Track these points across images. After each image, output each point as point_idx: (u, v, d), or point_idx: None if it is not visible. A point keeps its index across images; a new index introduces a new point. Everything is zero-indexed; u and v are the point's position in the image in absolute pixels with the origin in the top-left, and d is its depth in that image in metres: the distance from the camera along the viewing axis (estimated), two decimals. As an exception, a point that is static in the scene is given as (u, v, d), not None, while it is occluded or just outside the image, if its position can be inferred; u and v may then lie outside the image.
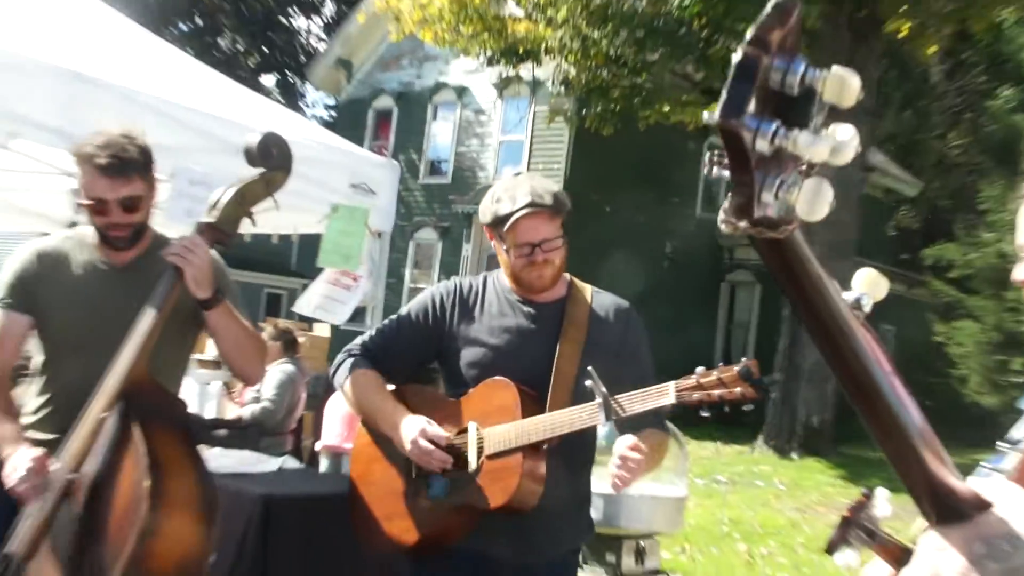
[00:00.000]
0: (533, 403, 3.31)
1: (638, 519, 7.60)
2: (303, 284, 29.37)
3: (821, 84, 1.13)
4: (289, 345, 9.45)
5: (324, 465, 8.56)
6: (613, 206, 25.18)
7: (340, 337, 9.50)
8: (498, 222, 3.44)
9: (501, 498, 3.23)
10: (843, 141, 1.13)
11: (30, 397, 3.92)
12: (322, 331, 9.74)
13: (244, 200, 3.57)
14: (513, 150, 26.33)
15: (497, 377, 3.39)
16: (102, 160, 3.56)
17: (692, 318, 25.32)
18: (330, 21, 46.33)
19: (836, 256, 19.67)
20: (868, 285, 2.07)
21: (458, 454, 3.35)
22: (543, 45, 20.54)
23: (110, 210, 3.65)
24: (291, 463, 6.14)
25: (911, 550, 1.85)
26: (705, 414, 3.05)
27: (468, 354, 3.53)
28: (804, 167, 1.14)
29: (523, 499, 3.24)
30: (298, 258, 29.14)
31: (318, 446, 8.90)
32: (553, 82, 21.85)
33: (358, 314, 7.21)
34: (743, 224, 1.16)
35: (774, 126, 1.10)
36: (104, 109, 5.27)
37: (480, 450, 3.32)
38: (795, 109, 1.12)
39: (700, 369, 3.02)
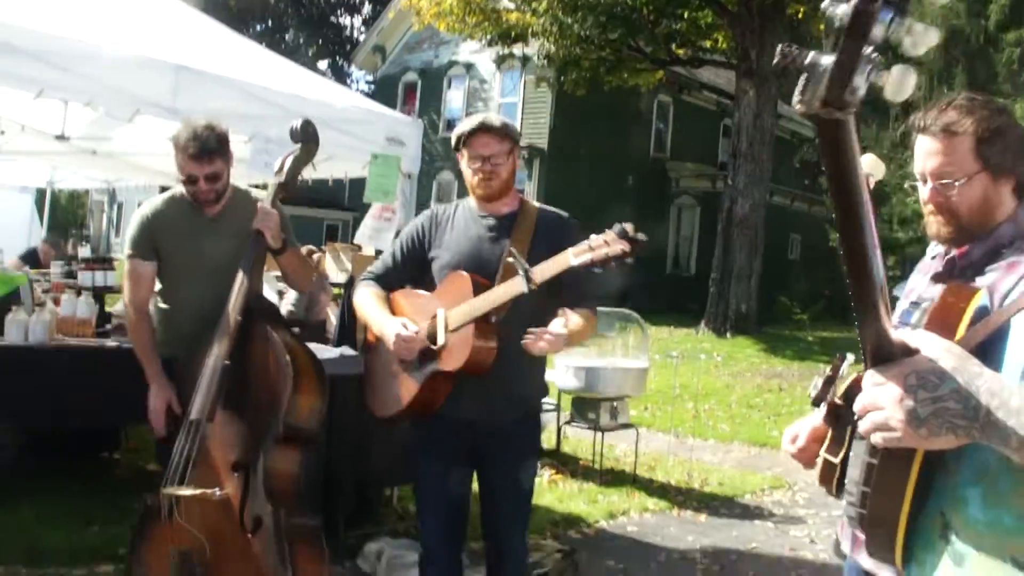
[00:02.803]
0: (483, 288, 3.28)
1: (612, 386, 7.64)
2: (353, 216, 29.45)
3: None
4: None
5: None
6: (587, 150, 25.16)
7: (381, 255, 9.50)
8: (459, 141, 3.48)
9: (461, 360, 3.23)
10: (933, 32, 1.10)
11: (152, 313, 4.12)
12: (368, 250, 9.75)
13: (297, 164, 3.91)
14: (509, 110, 26.15)
15: (452, 272, 3.41)
16: (191, 149, 3.81)
17: (648, 233, 24.85)
18: (367, 18, 46.05)
19: (755, 183, 19.63)
20: (871, 166, 2.00)
21: (432, 335, 3.35)
22: (530, 29, 20.54)
23: (199, 182, 3.87)
24: (348, 352, 6.15)
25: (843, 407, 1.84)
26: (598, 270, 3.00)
27: (440, 260, 3.53)
28: (876, 61, 1.11)
29: (479, 359, 3.23)
30: (349, 196, 29.02)
31: (370, 338, 8.93)
32: (538, 57, 21.98)
33: (396, 236, 7.21)
34: (817, 104, 1.12)
35: (891, 14, 1.08)
36: (202, 91, 5.27)
37: (446, 328, 3.31)
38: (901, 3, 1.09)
39: (592, 236, 2.98)
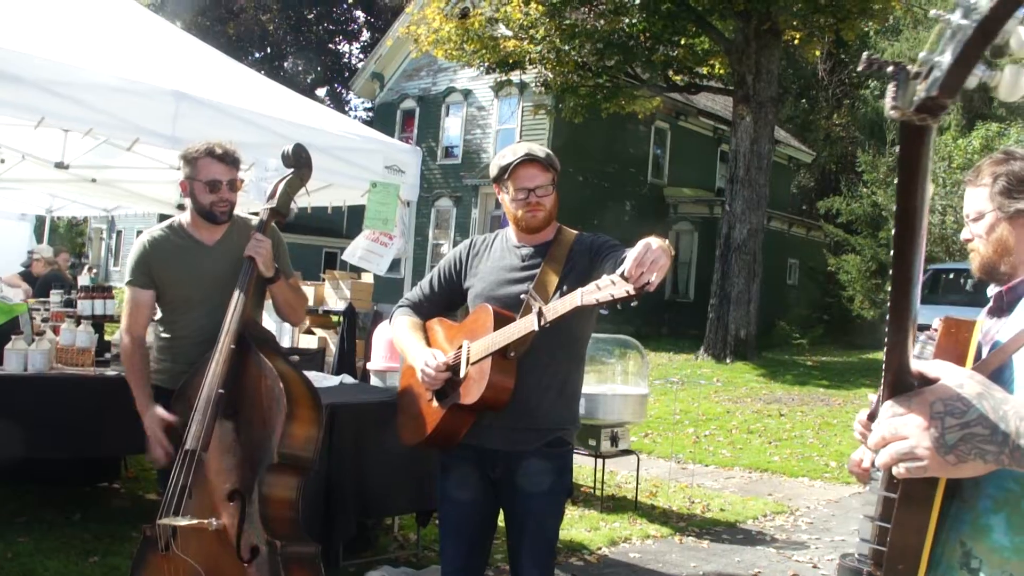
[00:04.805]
0: (506, 321, 3.23)
1: (612, 412, 7.62)
2: (353, 244, 29.51)
3: None
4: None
5: (373, 381, 8.56)
6: (585, 177, 25.21)
7: (380, 282, 9.49)
8: (502, 172, 3.41)
9: (476, 395, 3.19)
10: None
11: (154, 343, 4.10)
12: (367, 278, 9.76)
13: (290, 190, 3.91)
14: (507, 137, 26.20)
15: (480, 304, 3.39)
16: (219, 151, 3.86)
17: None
18: (366, 45, 46.30)
19: (752, 208, 19.66)
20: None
21: (457, 367, 3.32)
22: (527, 57, 20.59)
23: (222, 188, 3.87)
24: (348, 380, 6.15)
25: None
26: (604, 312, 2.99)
27: (474, 290, 3.51)
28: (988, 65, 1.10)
29: (495, 395, 3.19)
30: (348, 224, 29.14)
31: (369, 366, 8.88)
32: (536, 84, 22.03)
33: (394, 265, 7.20)
34: (911, 111, 1.13)
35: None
36: (202, 119, 5.28)
37: (467, 360, 3.28)
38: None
39: (603, 276, 2.90)
